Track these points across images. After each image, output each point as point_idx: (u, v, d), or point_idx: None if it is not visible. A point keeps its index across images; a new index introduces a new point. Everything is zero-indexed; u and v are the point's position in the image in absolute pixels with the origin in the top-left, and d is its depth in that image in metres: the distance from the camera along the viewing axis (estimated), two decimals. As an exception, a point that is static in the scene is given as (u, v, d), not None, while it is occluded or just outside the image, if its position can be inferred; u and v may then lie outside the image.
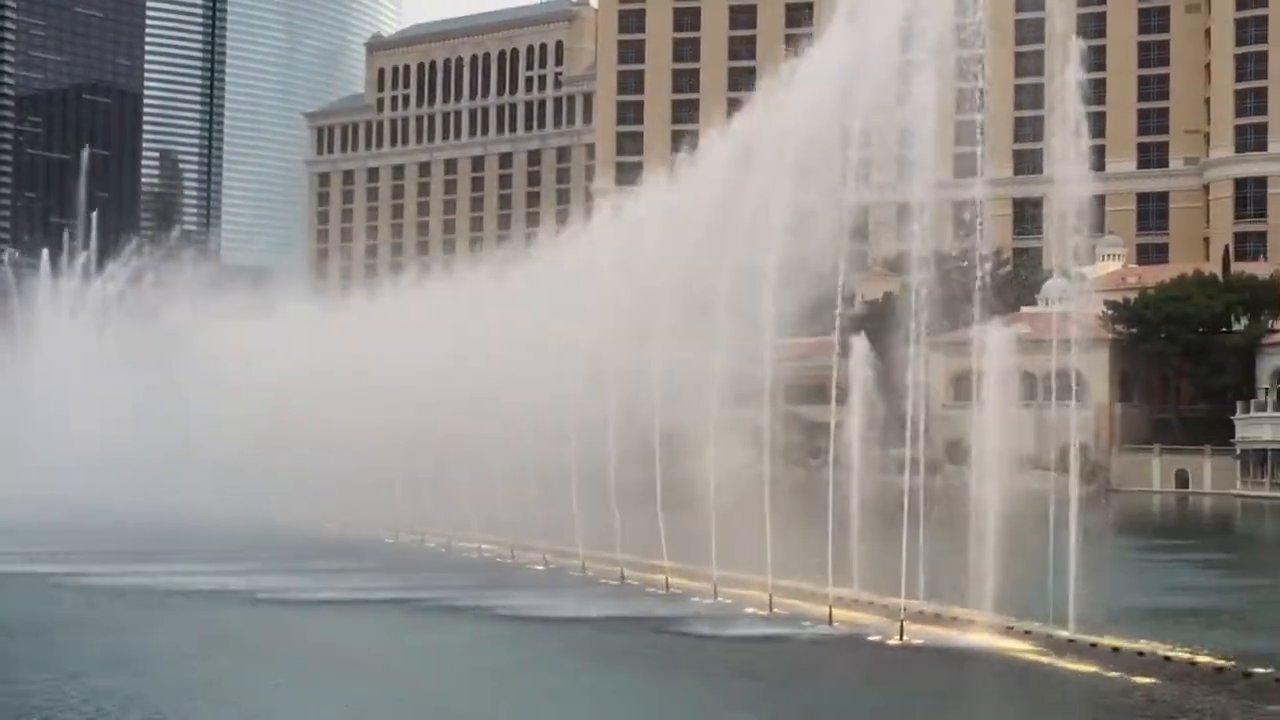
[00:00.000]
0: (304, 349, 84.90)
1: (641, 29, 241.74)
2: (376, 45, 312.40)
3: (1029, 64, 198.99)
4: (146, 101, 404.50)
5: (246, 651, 39.13)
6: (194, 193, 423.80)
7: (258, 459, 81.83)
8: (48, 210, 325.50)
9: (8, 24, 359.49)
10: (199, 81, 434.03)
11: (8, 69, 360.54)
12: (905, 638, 39.60)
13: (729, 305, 50.76)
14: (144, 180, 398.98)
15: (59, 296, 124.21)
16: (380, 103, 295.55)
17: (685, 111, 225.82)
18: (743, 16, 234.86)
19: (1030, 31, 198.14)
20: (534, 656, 38.58)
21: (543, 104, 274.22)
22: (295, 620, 45.12)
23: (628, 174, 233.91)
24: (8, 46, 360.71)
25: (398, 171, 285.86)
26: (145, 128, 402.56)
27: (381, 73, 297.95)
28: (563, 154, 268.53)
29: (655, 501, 53.62)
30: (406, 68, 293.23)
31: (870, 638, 40.19)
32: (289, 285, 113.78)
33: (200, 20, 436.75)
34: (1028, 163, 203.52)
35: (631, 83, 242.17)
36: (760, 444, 47.66)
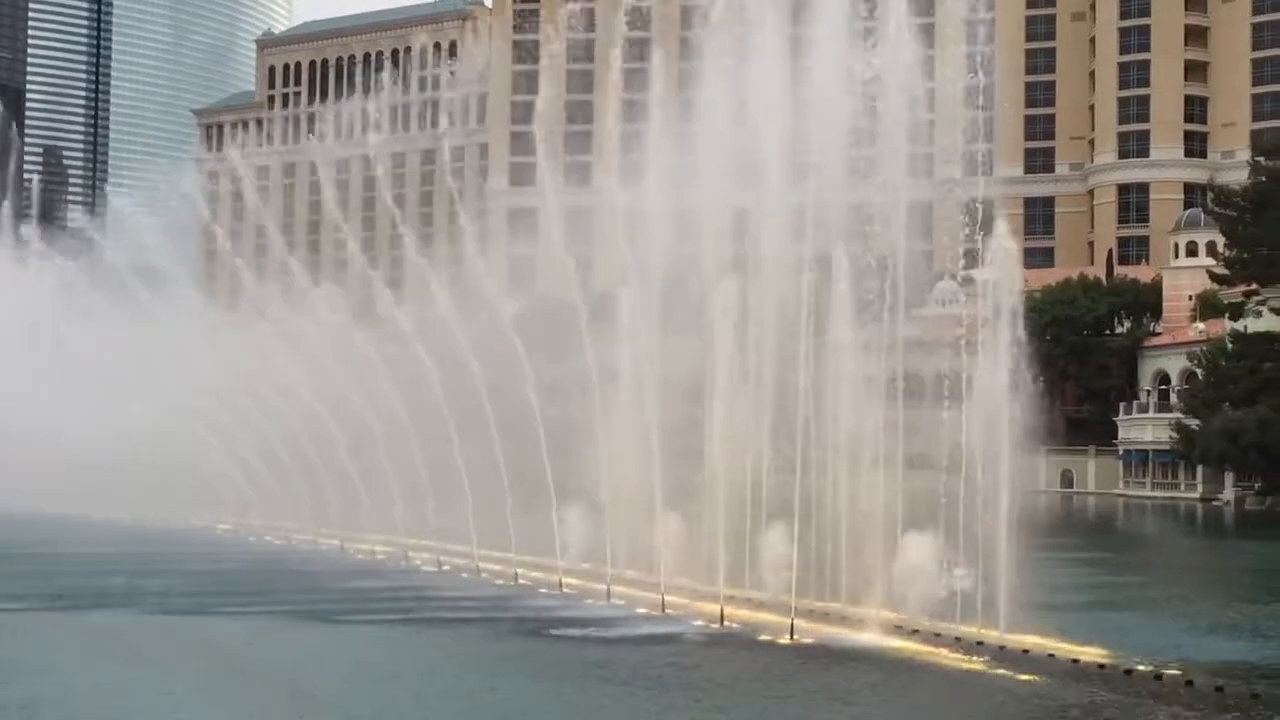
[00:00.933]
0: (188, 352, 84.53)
1: (536, 29, 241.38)
2: (267, 42, 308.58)
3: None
4: (29, 96, 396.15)
5: (127, 658, 38.28)
6: (79, 189, 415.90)
7: (134, 461, 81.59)
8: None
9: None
10: (84, 76, 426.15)
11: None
12: (796, 637, 39.82)
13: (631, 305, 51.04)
14: (26, 176, 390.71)
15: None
16: (270, 100, 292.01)
17: (579, 112, 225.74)
18: (638, 18, 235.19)
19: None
20: (414, 659, 38.17)
21: (436, 103, 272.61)
22: (179, 626, 44.26)
23: (522, 175, 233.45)
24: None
25: (289, 170, 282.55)
26: (28, 123, 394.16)
27: (272, 70, 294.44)
28: (457, 154, 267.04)
29: (553, 502, 53.56)
30: (298, 65, 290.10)
31: (761, 637, 40.36)
32: (176, 285, 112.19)
33: (85, 14, 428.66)
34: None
35: (525, 83, 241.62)
36: (653, 443, 47.71)
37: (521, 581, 53.08)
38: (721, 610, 42.80)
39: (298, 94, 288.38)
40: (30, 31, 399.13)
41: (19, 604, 47.51)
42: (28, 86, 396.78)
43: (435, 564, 59.35)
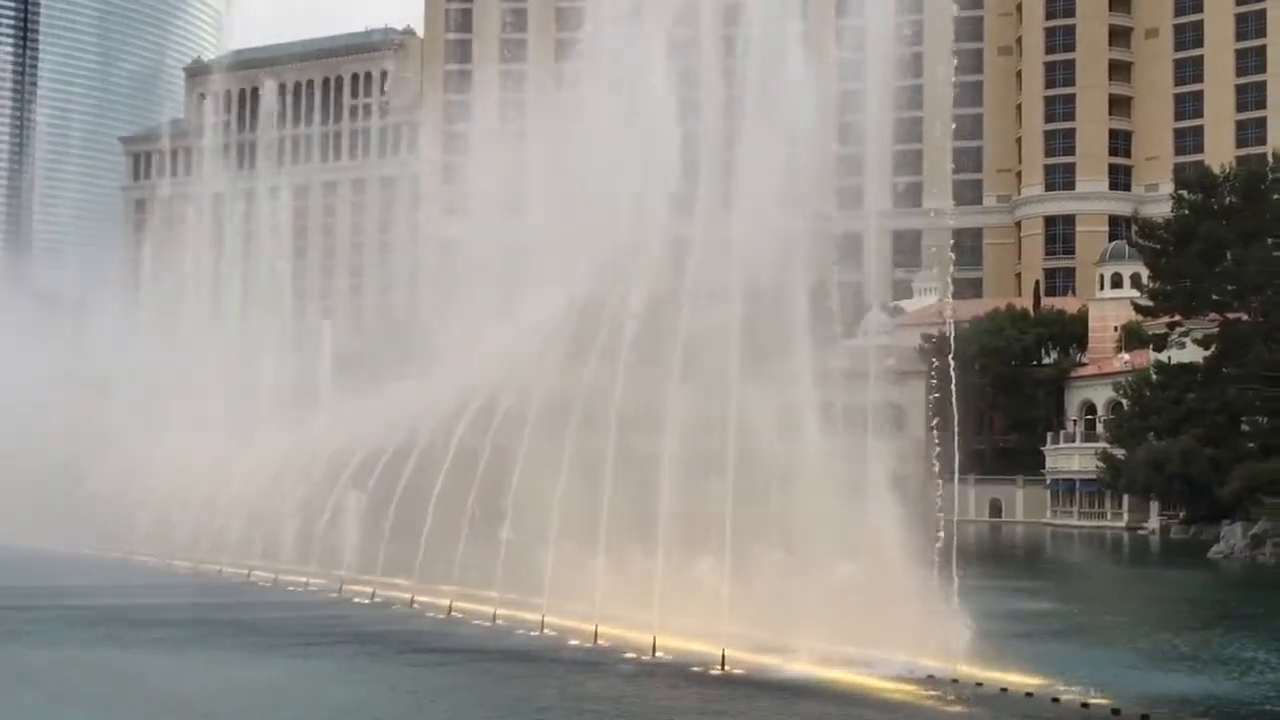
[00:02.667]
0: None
1: (468, 59, 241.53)
2: (196, 70, 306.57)
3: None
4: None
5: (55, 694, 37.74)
6: (2, 216, 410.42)
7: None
8: None
9: None
10: (8, 102, 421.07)
11: None
12: (727, 668, 39.83)
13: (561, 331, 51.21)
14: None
15: None
16: (200, 129, 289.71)
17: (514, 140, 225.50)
18: (568, 48, 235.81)
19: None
20: (325, 689, 37.92)
21: (368, 133, 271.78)
22: (104, 658, 43.65)
23: (455, 204, 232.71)
24: None
25: (218, 200, 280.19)
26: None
27: (201, 98, 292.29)
28: (387, 183, 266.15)
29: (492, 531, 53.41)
30: (228, 93, 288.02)
31: (692, 668, 40.36)
32: (101, 314, 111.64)
33: (10, 40, 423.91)
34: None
35: (458, 112, 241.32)
36: (598, 473, 47.75)
37: (454, 614, 52.79)
38: (654, 640, 42.76)
39: (227, 123, 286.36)
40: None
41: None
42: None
43: (368, 597, 58.91)
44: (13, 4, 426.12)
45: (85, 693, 37.63)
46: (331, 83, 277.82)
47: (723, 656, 40.17)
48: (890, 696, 36.48)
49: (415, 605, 55.21)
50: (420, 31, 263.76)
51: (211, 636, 47.82)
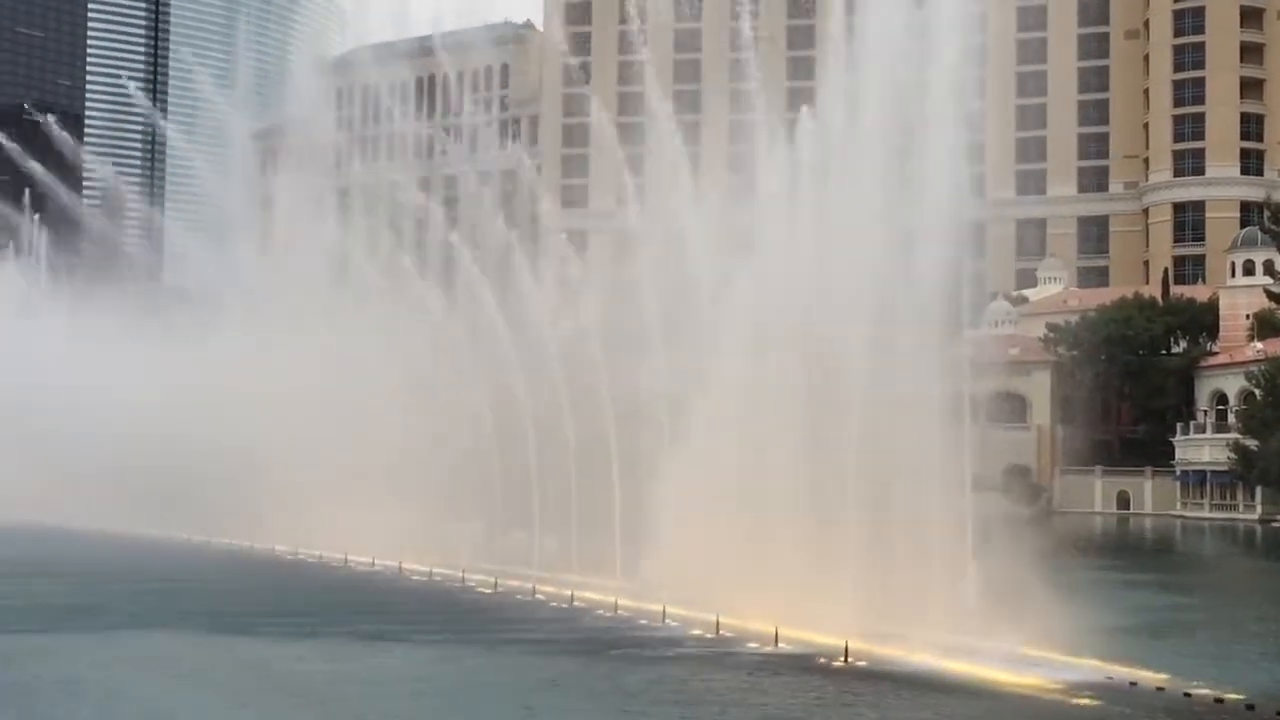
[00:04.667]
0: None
1: (588, 51, 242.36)
2: (322, 66, 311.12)
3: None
4: (88, 122, 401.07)
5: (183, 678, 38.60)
6: (136, 214, 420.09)
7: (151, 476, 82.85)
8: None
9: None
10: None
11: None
12: (850, 660, 39.63)
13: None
14: (85, 202, 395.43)
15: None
16: (325, 124, 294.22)
17: (632, 135, 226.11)
18: (687, 39, 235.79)
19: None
20: (485, 681, 38.32)
21: (488, 127, 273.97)
22: (239, 648, 44.52)
23: (574, 197, 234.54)
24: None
25: (342, 194, 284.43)
26: (86, 148, 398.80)
27: (326, 94, 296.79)
28: (507, 177, 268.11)
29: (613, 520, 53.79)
30: (352, 89, 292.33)
31: (817, 660, 40.21)
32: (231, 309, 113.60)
33: (143, 41, 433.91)
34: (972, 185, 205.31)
35: (578, 106, 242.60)
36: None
37: (577, 603, 53.11)
38: (777, 632, 42.67)
39: (350, 119, 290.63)
40: (89, 59, 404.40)
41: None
42: (86, 113, 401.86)
43: (491, 586, 59.34)
44: (144, 5, 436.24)
45: (213, 677, 38.51)
46: (452, 77, 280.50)
47: (846, 649, 39.93)
48: (1015, 689, 36.08)
49: (538, 595, 55.64)
50: (539, 25, 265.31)
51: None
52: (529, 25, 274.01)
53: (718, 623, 45.13)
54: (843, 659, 39.65)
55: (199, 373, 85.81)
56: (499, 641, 44.47)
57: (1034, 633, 38.86)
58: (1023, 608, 39.20)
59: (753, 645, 42.58)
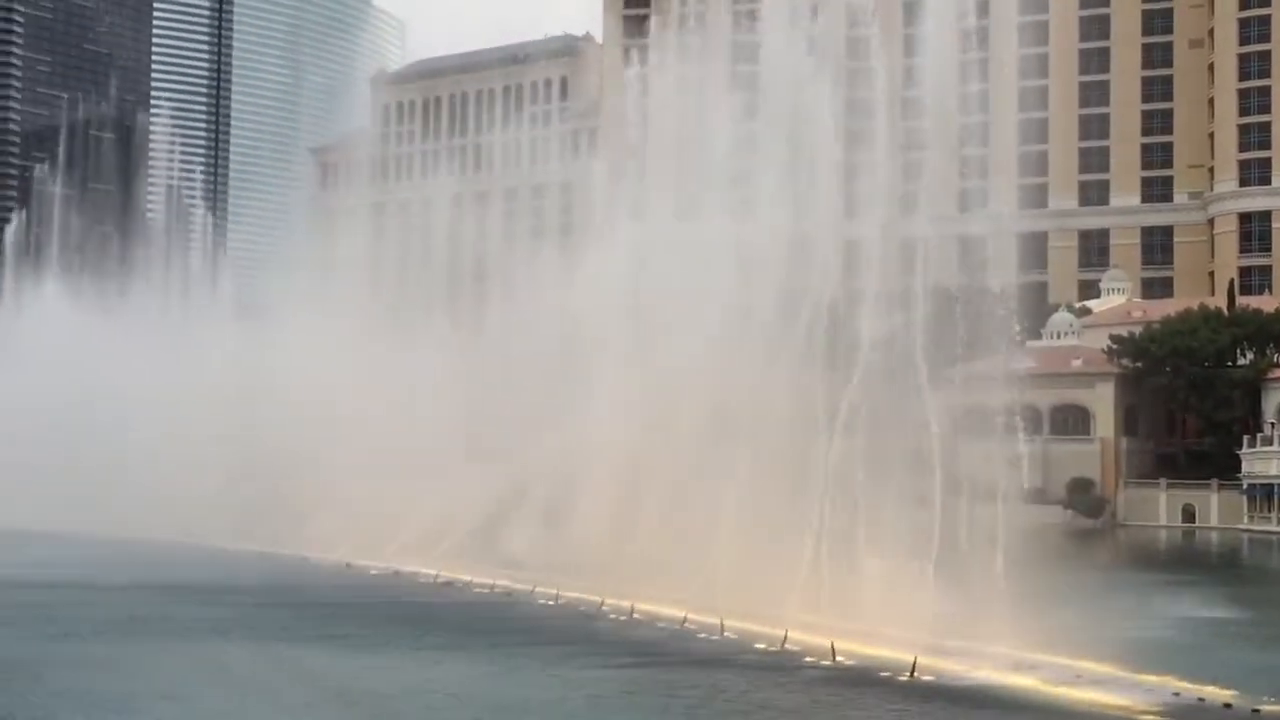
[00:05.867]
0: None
1: (646, 63, 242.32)
2: (381, 80, 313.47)
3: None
4: (152, 137, 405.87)
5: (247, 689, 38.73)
6: (199, 227, 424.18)
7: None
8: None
9: (15, 60, 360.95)
10: (204, 117, 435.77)
11: (14, 105, 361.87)
12: (916, 674, 39.12)
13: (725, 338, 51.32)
14: (149, 215, 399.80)
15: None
16: (385, 138, 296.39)
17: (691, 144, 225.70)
18: (745, 51, 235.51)
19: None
20: (577, 696, 38.19)
21: (547, 139, 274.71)
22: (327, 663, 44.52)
23: (634, 208, 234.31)
24: (14, 83, 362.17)
25: (402, 206, 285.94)
26: (150, 163, 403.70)
27: (386, 108, 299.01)
28: (566, 189, 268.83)
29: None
30: (411, 103, 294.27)
31: (880, 674, 39.74)
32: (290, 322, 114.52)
33: (206, 56, 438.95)
34: (1034, 196, 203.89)
35: (636, 115, 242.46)
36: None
37: (636, 616, 52.87)
38: (832, 645, 42.27)
39: (411, 132, 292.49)
40: (153, 74, 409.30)
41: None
42: (151, 128, 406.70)
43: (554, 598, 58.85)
44: (207, 20, 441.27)
45: (274, 687, 38.60)
46: (512, 90, 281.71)
47: (914, 663, 39.36)
48: (1083, 706, 35.56)
49: (605, 606, 55.31)
50: (598, 37, 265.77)
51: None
52: (588, 37, 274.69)
53: (785, 636, 44.67)
54: (908, 674, 39.13)
55: (306, 392, 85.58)
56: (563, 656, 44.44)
57: (1098, 647, 38.33)
58: (1086, 622, 38.69)
59: (809, 659, 42.15)
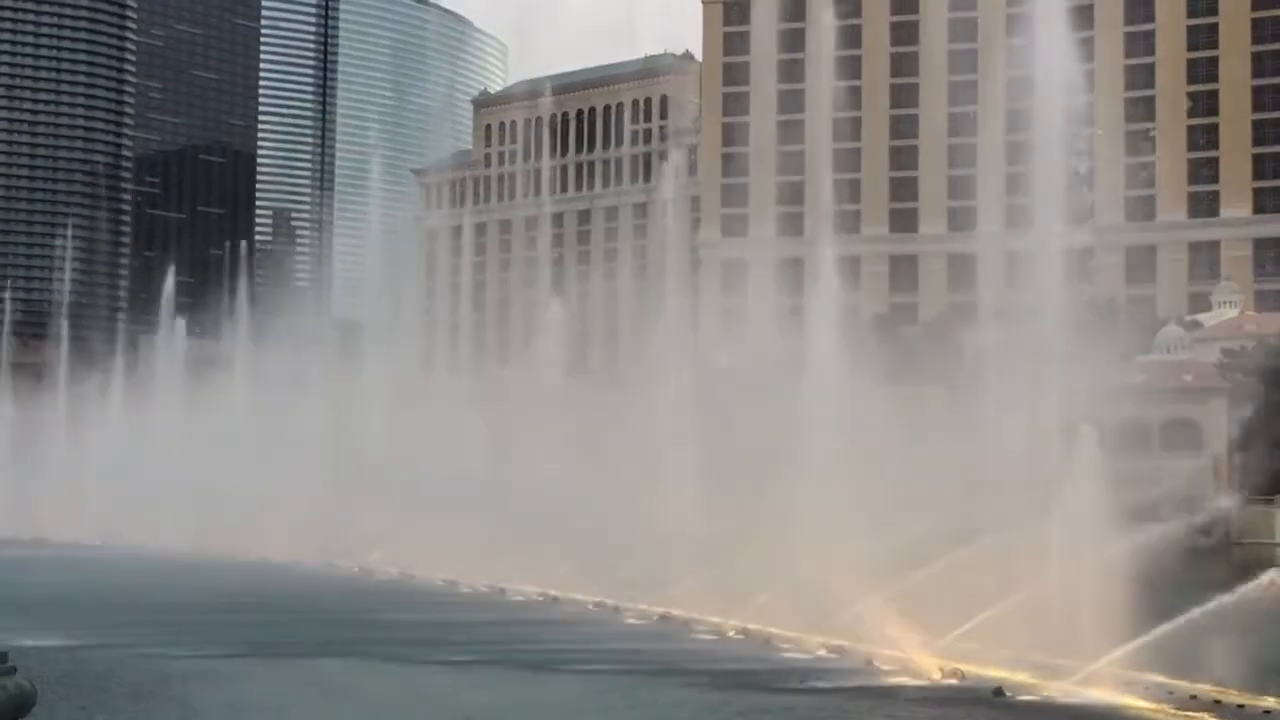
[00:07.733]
0: None
1: (746, 81, 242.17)
2: (483, 102, 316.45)
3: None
4: (260, 161, 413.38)
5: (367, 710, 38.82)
6: (306, 250, 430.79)
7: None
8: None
9: (127, 86, 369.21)
10: (310, 140, 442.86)
11: (126, 130, 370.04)
12: (1017, 695, 38.57)
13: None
14: (258, 238, 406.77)
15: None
16: (487, 158, 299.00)
17: (790, 162, 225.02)
18: (849, 65, 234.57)
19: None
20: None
21: (648, 157, 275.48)
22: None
23: (733, 226, 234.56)
24: (127, 109, 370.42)
25: (504, 226, 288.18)
26: (259, 186, 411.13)
27: (489, 129, 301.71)
28: (666, 207, 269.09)
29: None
30: (513, 124, 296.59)
31: (982, 693, 39.17)
32: (394, 343, 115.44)
33: (311, 81, 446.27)
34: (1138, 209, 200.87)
35: (737, 135, 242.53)
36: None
37: (730, 634, 52.65)
38: (941, 666, 41.81)
39: (513, 153, 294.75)
40: (260, 99, 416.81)
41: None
42: (258, 152, 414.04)
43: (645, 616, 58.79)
44: (313, 46, 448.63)
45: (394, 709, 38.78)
46: (613, 109, 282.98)
47: (1011, 686, 38.78)
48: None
49: (688, 624, 55.17)
50: (699, 56, 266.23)
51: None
52: (687, 56, 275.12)
53: (875, 655, 44.33)
54: (1013, 694, 38.61)
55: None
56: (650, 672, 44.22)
57: (1210, 669, 37.49)
58: (1194, 642, 37.84)
59: (905, 679, 41.68)
